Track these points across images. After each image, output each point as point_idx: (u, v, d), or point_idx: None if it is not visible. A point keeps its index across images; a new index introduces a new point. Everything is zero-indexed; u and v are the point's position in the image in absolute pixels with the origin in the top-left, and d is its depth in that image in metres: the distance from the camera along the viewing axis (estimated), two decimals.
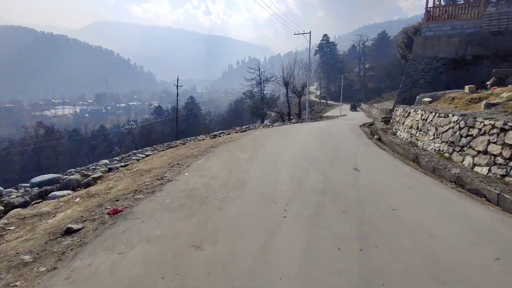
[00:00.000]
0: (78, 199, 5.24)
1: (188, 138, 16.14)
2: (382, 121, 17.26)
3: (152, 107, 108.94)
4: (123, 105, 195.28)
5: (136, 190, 5.40)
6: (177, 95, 34.61)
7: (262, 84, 66.99)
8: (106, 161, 10.58)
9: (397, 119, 12.84)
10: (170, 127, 71.02)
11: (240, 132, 16.00)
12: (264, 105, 60.71)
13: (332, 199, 4.81)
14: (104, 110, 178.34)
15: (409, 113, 11.22)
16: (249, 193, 5.06)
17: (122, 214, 4.29)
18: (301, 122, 26.26)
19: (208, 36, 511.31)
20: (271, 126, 20.40)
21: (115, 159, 10.89)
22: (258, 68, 65.46)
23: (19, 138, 41.99)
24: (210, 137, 14.47)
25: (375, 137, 13.39)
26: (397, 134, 12.04)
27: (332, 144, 10.64)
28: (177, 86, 33.93)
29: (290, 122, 26.78)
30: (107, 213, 4.35)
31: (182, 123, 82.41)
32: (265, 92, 68.10)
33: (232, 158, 7.94)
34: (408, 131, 10.74)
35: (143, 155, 10.03)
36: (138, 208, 4.46)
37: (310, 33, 26.35)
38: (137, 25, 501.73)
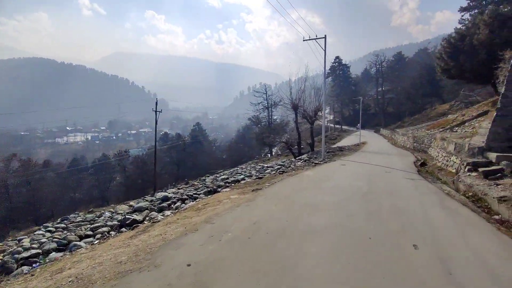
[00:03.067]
0: None
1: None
2: (469, 169, 9.54)
3: (162, 134, 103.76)
4: (134, 132, 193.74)
5: None
6: (156, 124, 27.76)
7: (270, 109, 60.25)
8: None
9: None
10: (170, 157, 64.61)
11: (203, 194, 8.46)
12: (272, 132, 53.39)
13: None
14: (114, 137, 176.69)
15: None
16: None
17: None
18: (315, 161, 18.71)
19: (220, 64, 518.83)
20: (265, 174, 12.79)
21: None
22: (264, 92, 59.15)
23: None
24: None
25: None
26: None
27: None
28: (156, 111, 27.31)
29: (300, 160, 19.25)
30: None
31: (184, 151, 75.98)
32: (275, 117, 61.19)
33: None
34: None
35: None
36: None
37: (325, 37, 19.45)
38: (153, 55, 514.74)
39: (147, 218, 6.60)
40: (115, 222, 6.77)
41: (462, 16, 45.76)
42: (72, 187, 48.95)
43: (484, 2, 42.95)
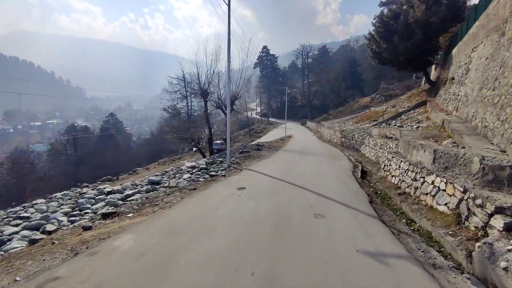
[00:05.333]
0: None
1: None
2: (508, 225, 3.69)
3: (69, 125, 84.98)
4: (39, 123, 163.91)
5: None
6: None
7: (189, 98, 51.85)
8: None
9: None
10: (66, 155, 51.42)
11: None
12: (191, 125, 45.16)
13: None
14: (12, 130, 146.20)
15: None
16: None
17: None
18: (214, 170, 12.19)
19: (147, 51, 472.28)
20: None
21: None
22: (182, 78, 50.46)
23: None
24: None
25: None
26: None
27: None
28: None
29: (193, 170, 12.43)
30: None
31: (92, 146, 63.36)
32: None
33: None
34: None
35: None
36: None
37: (229, 2, 12.62)
38: (67, 37, 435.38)
39: None
40: None
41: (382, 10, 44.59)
42: None
43: None
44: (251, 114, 72.65)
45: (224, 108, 25.98)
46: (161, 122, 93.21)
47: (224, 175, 10.42)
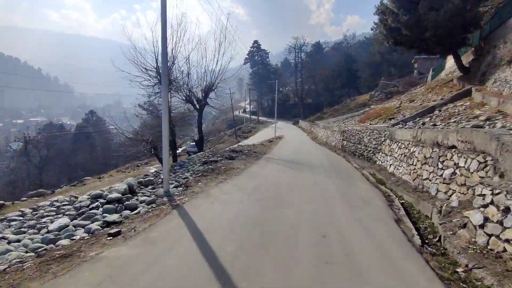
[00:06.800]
0: None
1: None
2: None
3: (44, 124, 77.03)
4: (21, 121, 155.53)
5: None
6: None
7: (169, 93, 45.57)
8: None
9: None
10: (28, 157, 44.71)
11: None
12: (172, 125, 38.89)
13: None
14: None
15: None
16: None
17: None
18: (136, 198, 6.31)
19: (139, 48, 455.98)
20: None
21: None
22: (148, 68, 44.25)
23: None
24: None
25: None
26: None
27: None
28: None
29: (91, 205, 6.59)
30: None
31: (64, 146, 57.00)
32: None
33: None
34: None
35: None
36: None
37: None
38: (56, 33, 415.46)
39: None
40: None
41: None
42: None
43: None
44: (239, 113, 66.75)
45: (195, 102, 20.17)
46: (143, 120, 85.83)
47: (119, 232, 4.63)
